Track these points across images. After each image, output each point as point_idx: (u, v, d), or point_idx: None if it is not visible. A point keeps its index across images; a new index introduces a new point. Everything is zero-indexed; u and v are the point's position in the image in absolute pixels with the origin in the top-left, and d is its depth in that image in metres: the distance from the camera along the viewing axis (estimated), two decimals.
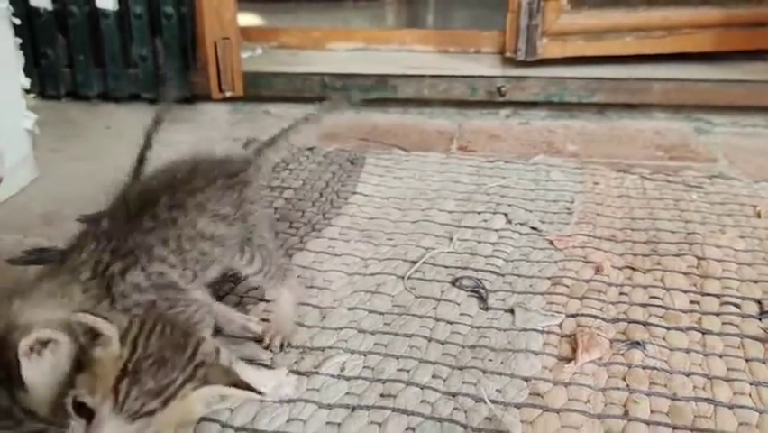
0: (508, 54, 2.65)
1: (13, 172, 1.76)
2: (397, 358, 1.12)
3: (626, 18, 2.62)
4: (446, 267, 1.40)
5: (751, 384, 1.06)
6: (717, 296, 1.29)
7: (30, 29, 2.45)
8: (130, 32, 2.47)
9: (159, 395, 0.73)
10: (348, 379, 1.07)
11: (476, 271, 1.39)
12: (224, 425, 0.98)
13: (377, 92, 2.45)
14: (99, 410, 0.71)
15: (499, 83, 2.43)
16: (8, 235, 1.55)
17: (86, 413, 0.72)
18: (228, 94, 2.39)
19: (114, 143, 2.14)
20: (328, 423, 0.98)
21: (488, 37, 2.85)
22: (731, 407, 1.01)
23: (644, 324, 1.21)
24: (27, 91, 1.84)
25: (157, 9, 2.42)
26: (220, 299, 1.25)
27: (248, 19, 3.36)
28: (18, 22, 1.78)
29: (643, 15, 2.63)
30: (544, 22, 2.57)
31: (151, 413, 0.72)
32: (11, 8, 1.74)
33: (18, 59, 1.80)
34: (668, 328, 1.19)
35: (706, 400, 1.03)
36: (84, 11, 2.45)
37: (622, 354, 1.13)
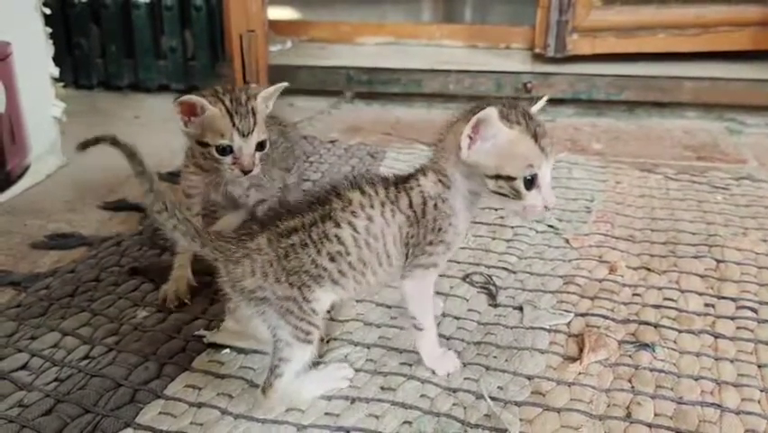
0: (538, 50, 2.62)
1: (40, 159, 1.80)
2: (401, 352, 1.11)
3: (659, 15, 2.57)
4: (458, 263, 1.39)
5: (761, 391, 1.03)
6: (734, 299, 1.26)
7: (64, 19, 2.51)
8: (161, 24, 2.51)
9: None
10: None
11: (488, 267, 1.38)
12: (223, 411, 0.99)
13: (400, 86, 2.44)
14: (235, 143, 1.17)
15: (526, 79, 2.40)
16: (32, 220, 1.59)
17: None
18: (253, 86, 2.40)
19: (141, 133, 2.17)
20: (327, 414, 0.99)
21: (518, 33, 2.83)
22: (738, 413, 0.99)
23: (656, 326, 1.18)
24: (56, 80, 1.88)
25: (187, 1, 2.46)
26: None
27: (283, 12, 3.38)
28: (48, 11, 1.81)
29: (676, 12, 2.58)
30: (574, 17, 2.54)
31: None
32: None
33: (48, 49, 1.84)
34: (679, 331, 1.17)
35: (713, 405, 1.00)
36: (117, 2, 2.50)
37: (630, 356, 1.11)
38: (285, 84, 1.27)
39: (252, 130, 1.17)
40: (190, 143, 1.23)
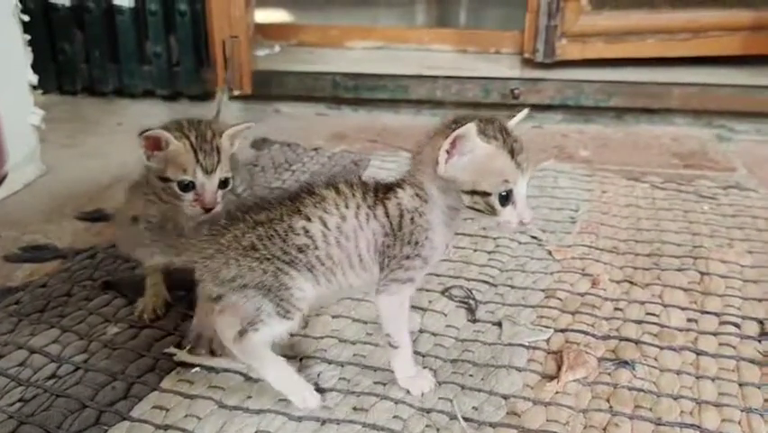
0: (527, 55, 2.60)
1: (17, 168, 1.77)
2: (375, 370, 1.09)
3: (649, 19, 2.55)
4: (438, 275, 1.37)
5: (742, 411, 1.01)
6: (717, 314, 1.24)
7: (47, 24, 2.48)
8: (145, 29, 2.48)
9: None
10: (322, 391, 1.05)
11: (468, 280, 1.35)
12: None
13: (387, 93, 2.42)
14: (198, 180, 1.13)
15: (513, 85, 2.38)
16: (7, 232, 1.57)
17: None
18: (236, 93, 2.38)
19: (123, 140, 2.14)
20: None
21: (508, 37, 2.81)
22: None
23: (637, 342, 1.16)
24: (35, 87, 1.86)
25: (171, 6, 2.43)
26: None
27: (275, 15, 3.36)
28: (27, 18, 1.79)
29: (666, 17, 2.56)
30: (563, 22, 2.51)
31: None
32: (19, 5, 1.75)
33: (27, 56, 1.81)
34: (661, 348, 1.15)
35: (692, 426, 0.98)
36: (101, 7, 2.47)
37: (609, 374, 1.09)
38: (251, 124, 1.24)
39: (216, 167, 1.15)
40: (149, 178, 1.19)
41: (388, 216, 0.97)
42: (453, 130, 0.90)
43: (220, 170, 1.15)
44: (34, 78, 1.83)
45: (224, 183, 1.17)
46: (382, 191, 1.00)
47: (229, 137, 1.19)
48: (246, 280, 0.97)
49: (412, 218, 0.97)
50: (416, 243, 0.97)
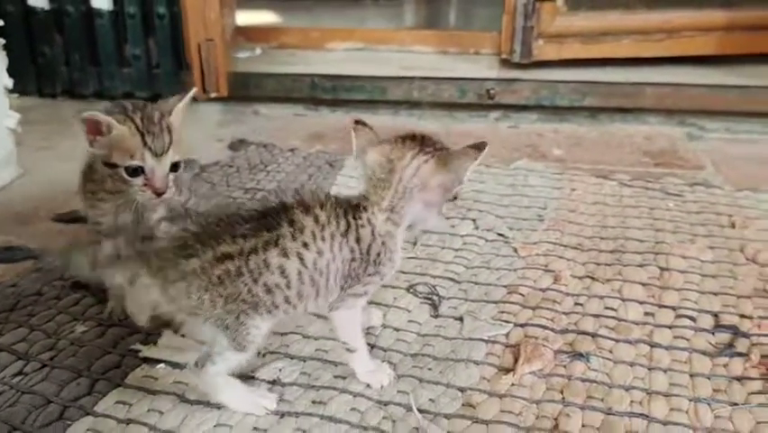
0: (504, 56, 2.63)
1: None
2: (336, 365, 1.11)
3: (624, 20, 2.58)
4: (404, 273, 1.39)
5: (690, 400, 1.04)
6: (674, 308, 1.27)
7: (27, 28, 2.50)
8: (124, 32, 2.50)
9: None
10: (283, 385, 1.07)
11: (433, 277, 1.38)
12: (151, 428, 0.98)
13: (365, 93, 2.44)
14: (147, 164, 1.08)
15: (489, 86, 2.41)
16: None
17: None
18: (212, 95, 2.40)
19: None
20: (255, 429, 0.99)
21: (487, 38, 2.83)
22: (665, 423, 0.99)
23: (593, 335, 1.19)
24: (11, 91, 1.87)
25: (150, 9, 2.44)
26: None
27: (259, 17, 3.38)
28: (2, 23, 1.81)
29: (641, 17, 2.59)
30: (539, 23, 2.55)
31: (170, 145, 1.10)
32: None
33: (2, 60, 1.83)
34: (617, 340, 1.18)
35: (641, 415, 1.01)
36: (80, 10, 2.49)
37: (564, 366, 1.12)
38: (193, 90, 1.20)
39: (167, 149, 1.11)
40: (95, 165, 1.15)
41: (359, 242, 0.97)
42: (479, 150, 0.97)
43: (172, 151, 1.11)
44: (10, 82, 1.85)
45: (174, 166, 1.12)
46: (352, 213, 0.98)
47: (178, 113, 1.14)
48: (206, 315, 0.94)
49: (383, 242, 0.99)
50: (380, 262, 0.99)
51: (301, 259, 0.93)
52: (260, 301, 0.94)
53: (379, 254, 0.99)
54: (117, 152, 1.09)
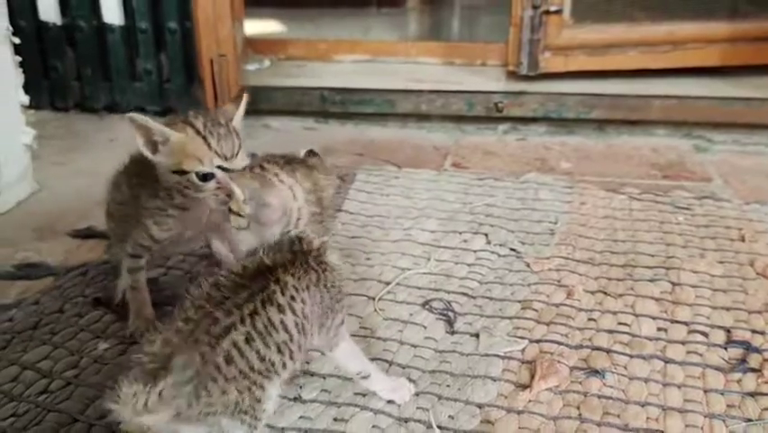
0: (511, 68, 2.65)
1: (10, 187, 1.81)
2: (356, 382, 1.13)
3: (630, 32, 2.61)
4: (419, 288, 1.41)
5: (705, 417, 1.05)
6: (686, 323, 1.28)
7: (39, 42, 2.53)
8: (136, 47, 2.52)
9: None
10: (304, 402, 1.09)
11: (448, 293, 1.40)
12: None
13: (374, 107, 2.47)
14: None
15: (497, 99, 2.43)
16: (0, 250, 1.61)
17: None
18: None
19: (116, 156, 2.18)
20: None
21: (493, 50, 2.86)
22: None
23: (608, 351, 1.21)
24: (27, 107, 1.90)
25: (162, 24, 2.47)
26: None
27: (266, 27, 3.41)
28: (18, 41, 1.83)
29: (647, 29, 2.62)
30: (546, 36, 2.57)
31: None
32: (10, 28, 1.80)
33: (17, 77, 1.86)
34: (631, 356, 1.20)
35: (657, 431, 1.03)
36: (92, 25, 2.51)
37: (580, 383, 1.13)
38: (246, 99, 1.19)
39: (237, 152, 1.08)
40: (162, 178, 1.13)
41: (325, 284, 0.98)
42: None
43: (242, 153, 1.09)
44: (26, 99, 1.88)
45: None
46: (314, 257, 0.98)
47: (239, 119, 1.14)
48: (217, 408, 0.85)
49: (338, 272, 1.02)
50: (339, 289, 1.01)
51: (293, 310, 0.92)
52: (272, 365, 0.89)
53: (334, 284, 1.00)
54: (186, 159, 1.07)
